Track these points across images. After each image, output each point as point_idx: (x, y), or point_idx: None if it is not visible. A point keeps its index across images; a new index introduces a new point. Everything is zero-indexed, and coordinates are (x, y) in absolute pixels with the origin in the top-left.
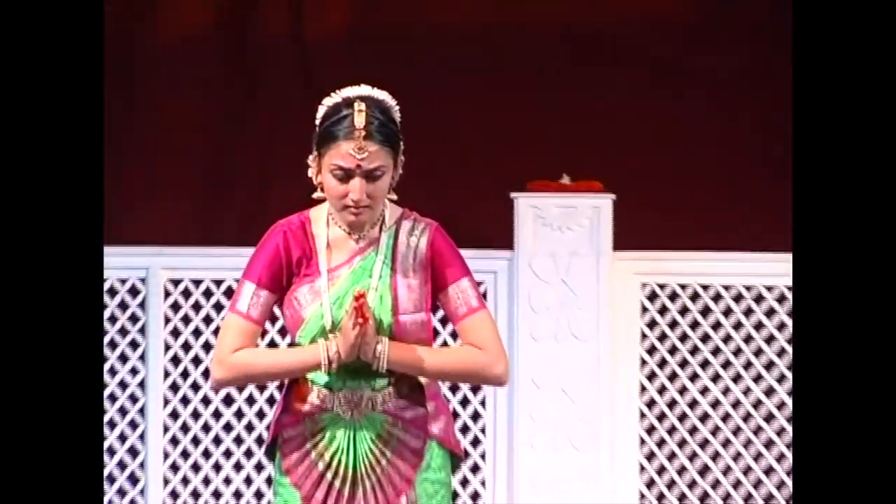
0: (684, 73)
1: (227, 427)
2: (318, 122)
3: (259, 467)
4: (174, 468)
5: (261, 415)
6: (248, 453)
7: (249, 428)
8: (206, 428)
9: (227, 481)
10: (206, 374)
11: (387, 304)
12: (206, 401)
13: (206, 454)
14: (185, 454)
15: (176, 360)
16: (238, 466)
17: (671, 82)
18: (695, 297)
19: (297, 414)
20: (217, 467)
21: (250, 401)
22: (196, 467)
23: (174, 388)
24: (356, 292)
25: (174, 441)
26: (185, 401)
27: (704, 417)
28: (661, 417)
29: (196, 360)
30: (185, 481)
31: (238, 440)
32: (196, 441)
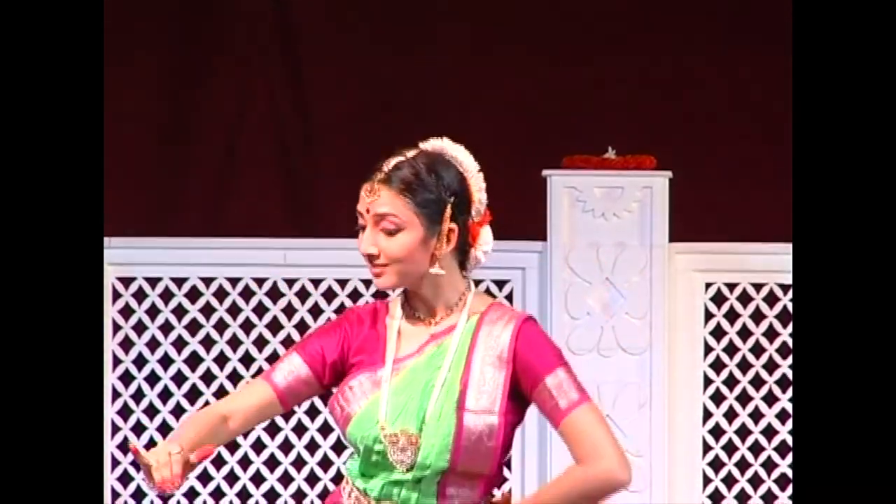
0: (761, 23)
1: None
2: None
3: None
4: None
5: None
6: None
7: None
8: None
9: None
10: (163, 395)
11: (452, 397)
12: (163, 428)
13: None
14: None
15: (127, 378)
16: None
17: (744, 34)
18: (771, 299)
19: None
20: None
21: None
22: None
23: (124, 412)
24: None
25: (124, 479)
26: (138, 428)
27: (782, 449)
28: (730, 449)
29: (152, 378)
30: None
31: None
32: None
